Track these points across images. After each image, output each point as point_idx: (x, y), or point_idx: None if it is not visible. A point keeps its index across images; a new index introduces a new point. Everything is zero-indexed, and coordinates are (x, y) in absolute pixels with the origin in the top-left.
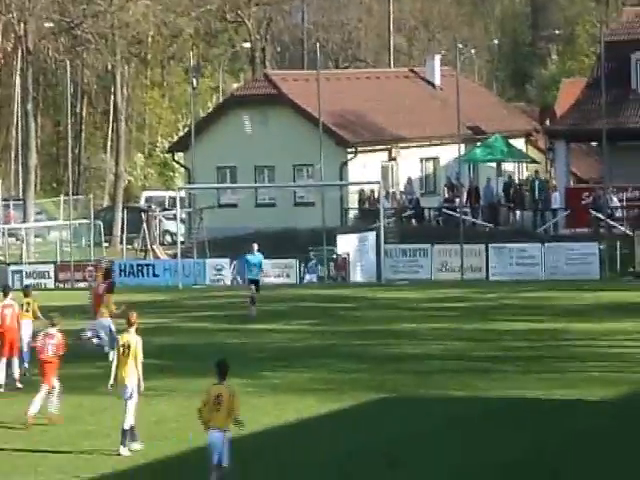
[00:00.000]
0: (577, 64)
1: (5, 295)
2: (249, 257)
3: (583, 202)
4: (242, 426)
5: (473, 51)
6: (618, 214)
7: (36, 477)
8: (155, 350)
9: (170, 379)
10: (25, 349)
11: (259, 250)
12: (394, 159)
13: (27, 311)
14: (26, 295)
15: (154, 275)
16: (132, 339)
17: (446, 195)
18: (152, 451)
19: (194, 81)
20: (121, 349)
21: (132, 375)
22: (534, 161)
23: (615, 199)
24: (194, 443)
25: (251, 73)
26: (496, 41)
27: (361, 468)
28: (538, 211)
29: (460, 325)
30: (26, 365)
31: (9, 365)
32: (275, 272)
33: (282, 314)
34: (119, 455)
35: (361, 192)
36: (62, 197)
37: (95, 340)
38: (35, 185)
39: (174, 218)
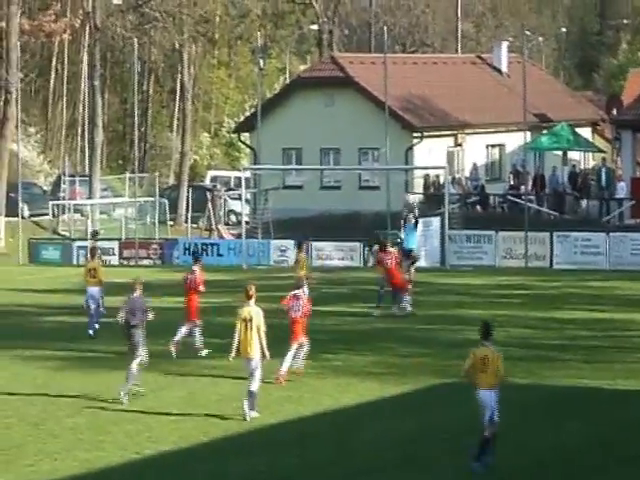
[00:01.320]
0: None
1: (195, 262)
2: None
3: None
4: (506, 380)
5: (540, 39)
6: None
7: (98, 453)
8: (219, 330)
9: (233, 359)
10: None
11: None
12: (460, 145)
13: (93, 277)
14: (92, 257)
15: (218, 255)
16: (253, 311)
17: (511, 182)
18: (214, 429)
19: (261, 62)
20: (243, 323)
21: (256, 347)
22: (600, 150)
23: None
24: (256, 422)
25: (318, 55)
26: (564, 29)
27: (423, 452)
28: (604, 200)
29: (524, 313)
30: (96, 326)
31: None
32: (339, 255)
33: (345, 297)
34: (245, 420)
35: (426, 177)
36: (128, 174)
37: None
38: (101, 162)
39: (239, 198)
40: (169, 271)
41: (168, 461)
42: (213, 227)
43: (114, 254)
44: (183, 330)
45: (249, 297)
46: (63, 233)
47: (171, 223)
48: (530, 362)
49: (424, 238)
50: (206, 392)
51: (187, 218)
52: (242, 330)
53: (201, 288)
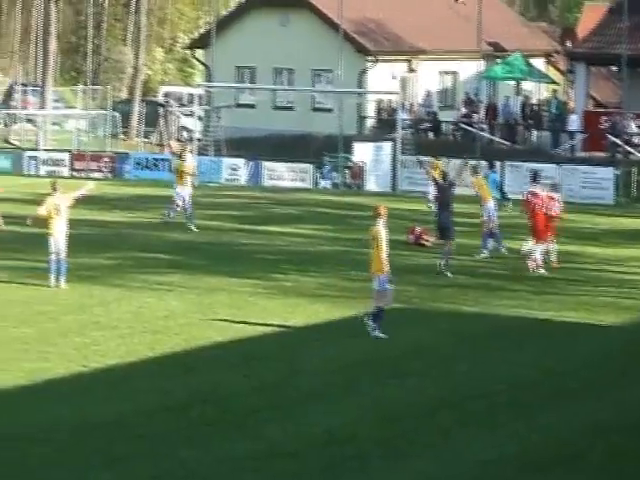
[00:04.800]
0: None
1: (534, 181)
2: None
3: (601, 126)
4: None
5: None
6: (635, 140)
7: (44, 364)
8: (167, 246)
9: (181, 275)
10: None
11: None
12: (413, 71)
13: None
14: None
15: (169, 170)
16: (378, 229)
17: (464, 110)
18: (160, 345)
19: None
20: (372, 241)
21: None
22: (553, 82)
23: (633, 125)
24: (202, 341)
25: None
26: None
27: (367, 376)
28: (555, 132)
29: (473, 241)
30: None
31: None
32: (290, 176)
33: (296, 218)
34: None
35: (379, 102)
36: (81, 86)
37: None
38: (54, 72)
39: (191, 115)
40: (120, 184)
41: (114, 375)
42: (165, 142)
43: (65, 165)
44: (530, 244)
45: (378, 216)
46: (14, 143)
47: (123, 137)
48: (478, 291)
49: (375, 162)
50: (154, 308)
51: (139, 132)
52: (371, 248)
53: (552, 212)
